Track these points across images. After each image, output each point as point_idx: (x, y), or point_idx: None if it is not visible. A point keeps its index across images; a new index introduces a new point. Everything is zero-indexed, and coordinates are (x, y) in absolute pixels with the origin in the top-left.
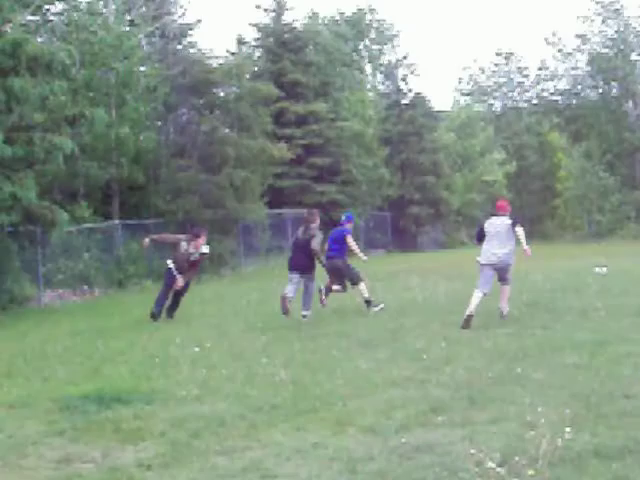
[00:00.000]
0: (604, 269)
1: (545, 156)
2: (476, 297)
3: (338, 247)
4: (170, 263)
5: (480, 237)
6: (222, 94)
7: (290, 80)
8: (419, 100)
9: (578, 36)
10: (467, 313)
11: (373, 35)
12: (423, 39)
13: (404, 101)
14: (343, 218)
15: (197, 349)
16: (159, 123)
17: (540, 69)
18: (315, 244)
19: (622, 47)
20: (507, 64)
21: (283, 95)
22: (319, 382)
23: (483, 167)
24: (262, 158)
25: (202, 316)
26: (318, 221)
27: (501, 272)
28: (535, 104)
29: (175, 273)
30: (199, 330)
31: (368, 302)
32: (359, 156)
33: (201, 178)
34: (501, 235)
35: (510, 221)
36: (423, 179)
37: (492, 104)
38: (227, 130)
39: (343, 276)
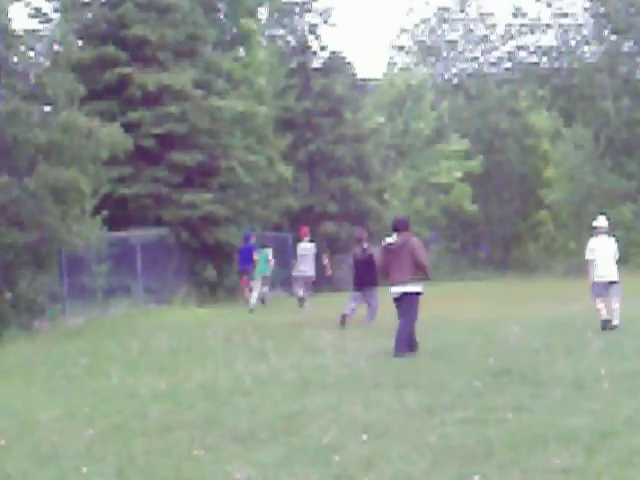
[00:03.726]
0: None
1: (525, 147)
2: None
3: None
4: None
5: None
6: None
7: (134, 36)
8: (337, 62)
9: None
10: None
11: None
12: None
13: (314, 64)
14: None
15: None
16: None
17: (515, 15)
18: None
19: None
20: (462, 10)
21: (126, 58)
22: None
23: (434, 163)
24: (90, 149)
25: None
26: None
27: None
28: (507, 69)
29: None
30: None
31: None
32: (247, 148)
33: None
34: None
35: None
36: (343, 182)
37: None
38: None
39: None
